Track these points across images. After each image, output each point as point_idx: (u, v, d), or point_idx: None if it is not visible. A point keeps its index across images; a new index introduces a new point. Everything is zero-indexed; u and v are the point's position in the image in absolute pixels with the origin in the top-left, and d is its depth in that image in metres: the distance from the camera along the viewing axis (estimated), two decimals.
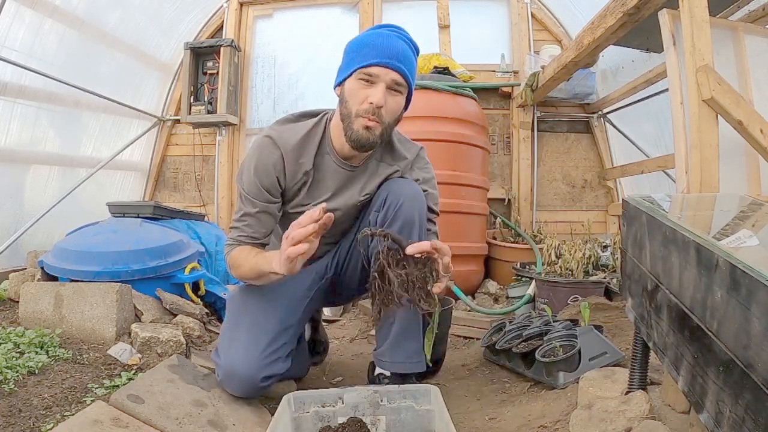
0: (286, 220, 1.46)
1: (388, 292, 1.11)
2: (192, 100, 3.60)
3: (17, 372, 1.30)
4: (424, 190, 1.42)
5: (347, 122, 1.30)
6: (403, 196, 1.34)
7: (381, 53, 1.25)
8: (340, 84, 1.33)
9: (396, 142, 1.46)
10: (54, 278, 1.85)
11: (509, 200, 3.48)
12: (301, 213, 1.40)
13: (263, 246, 1.41)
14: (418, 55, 1.35)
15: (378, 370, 1.44)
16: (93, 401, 1.21)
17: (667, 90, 2.04)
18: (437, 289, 1.17)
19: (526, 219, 3.49)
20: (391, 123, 1.34)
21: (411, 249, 1.13)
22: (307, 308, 1.49)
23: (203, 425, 1.16)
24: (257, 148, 1.35)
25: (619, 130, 3.45)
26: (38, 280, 1.92)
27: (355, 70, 1.27)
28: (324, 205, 1.10)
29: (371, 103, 1.26)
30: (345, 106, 1.30)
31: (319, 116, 1.42)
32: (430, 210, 1.44)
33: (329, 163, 1.40)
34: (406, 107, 1.37)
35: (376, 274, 1.13)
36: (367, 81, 1.27)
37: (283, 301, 1.39)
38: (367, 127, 1.28)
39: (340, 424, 1.17)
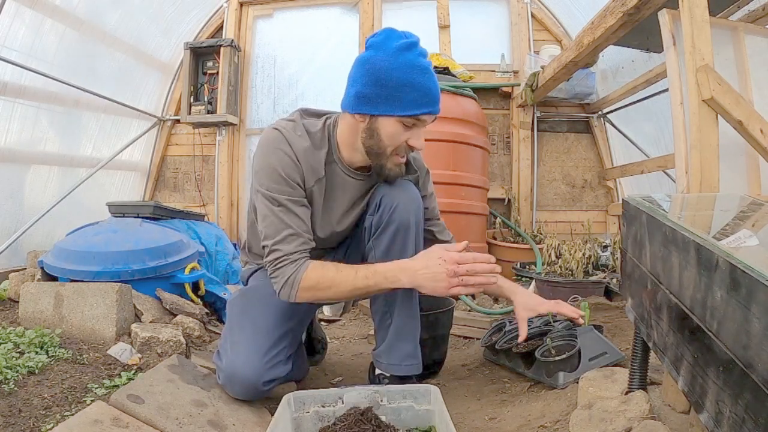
0: None
1: None
2: (192, 100, 3.61)
3: (17, 372, 1.30)
4: (431, 205, 1.49)
5: (378, 159, 1.29)
6: (398, 199, 1.31)
7: (430, 100, 1.24)
8: (368, 114, 1.25)
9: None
10: (54, 278, 1.84)
11: (509, 200, 3.48)
12: (318, 225, 1.38)
13: (314, 248, 1.34)
14: None
15: (378, 371, 1.44)
16: (93, 401, 1.21)
17: (667, 90, 2.04)
18: None
19: (526, 219, 3.50)
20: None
21: None
22: (308, 311, 1.48)
23: (203, 425, 1.16)
24: (272, 148, 1.27)
25: (619, 130, 3.45)
26: (38, 280, 1.92)
27: (403, 116, 1.23)
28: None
29: (411, 146, 1.28)
30: (378, 145, 1.27)
31: (323, 121, 1.37)
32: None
33: (338, 173, 1.36)
34: None
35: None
36: (411, 125, 1.25)
37: (283, 305, 1.35)
38: (399, 164, 1.32)
39: None
